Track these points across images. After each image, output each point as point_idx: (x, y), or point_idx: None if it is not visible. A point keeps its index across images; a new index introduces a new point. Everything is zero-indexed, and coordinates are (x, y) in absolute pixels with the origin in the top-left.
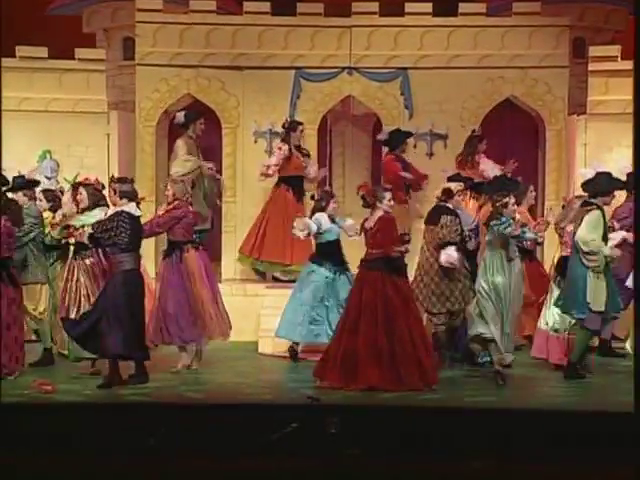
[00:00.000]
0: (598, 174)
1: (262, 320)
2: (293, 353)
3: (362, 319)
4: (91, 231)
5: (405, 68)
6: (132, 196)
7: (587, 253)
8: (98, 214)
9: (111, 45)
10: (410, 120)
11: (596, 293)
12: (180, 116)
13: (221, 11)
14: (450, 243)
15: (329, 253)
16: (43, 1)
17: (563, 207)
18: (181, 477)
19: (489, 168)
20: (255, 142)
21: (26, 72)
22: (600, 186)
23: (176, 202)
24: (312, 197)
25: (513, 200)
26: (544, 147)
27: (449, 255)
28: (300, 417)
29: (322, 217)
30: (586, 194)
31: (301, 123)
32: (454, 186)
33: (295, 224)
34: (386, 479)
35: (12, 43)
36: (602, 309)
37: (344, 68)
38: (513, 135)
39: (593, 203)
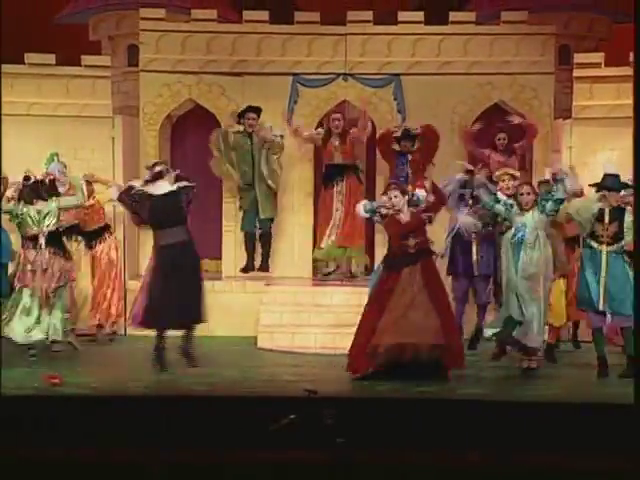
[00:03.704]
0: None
1: (261, 316)
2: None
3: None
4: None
5: (398, 74)
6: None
7: None
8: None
9: (116, 52)
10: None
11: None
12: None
13: (221, 20)
14: None
15: None
16: (51, 10)
17: None
18: (181, 469)
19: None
20: None
21: (35, 78)
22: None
23: None
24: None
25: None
26: (531, 150)
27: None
28: (298, 409)
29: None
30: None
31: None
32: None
33: None
34: (381, 471)
35: (21, 50)
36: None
37: (340, 74)
38: None
39: None
